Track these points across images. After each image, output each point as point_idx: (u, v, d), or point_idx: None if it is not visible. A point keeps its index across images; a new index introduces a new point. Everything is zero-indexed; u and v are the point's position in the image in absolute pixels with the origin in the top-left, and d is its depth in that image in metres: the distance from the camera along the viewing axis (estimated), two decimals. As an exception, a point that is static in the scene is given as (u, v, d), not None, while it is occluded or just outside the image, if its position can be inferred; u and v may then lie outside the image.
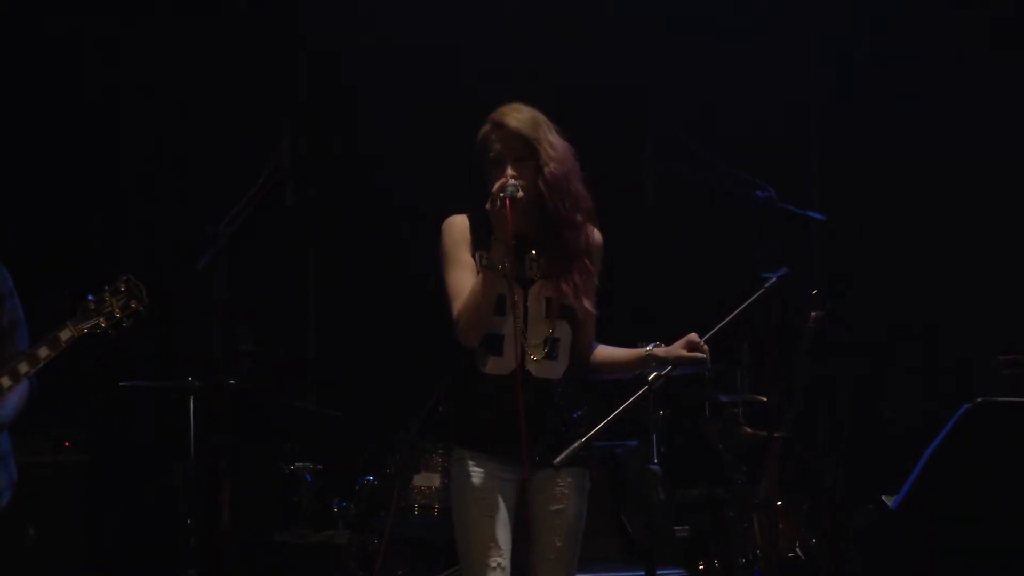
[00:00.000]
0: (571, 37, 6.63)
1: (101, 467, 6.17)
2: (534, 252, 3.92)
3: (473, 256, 3.92)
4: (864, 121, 6.49)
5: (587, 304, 3.93)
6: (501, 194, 3.74)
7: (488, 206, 3.77)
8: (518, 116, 3.89)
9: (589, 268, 3.95)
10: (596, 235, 4.01)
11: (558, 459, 3.56)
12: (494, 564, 3.82)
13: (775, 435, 4.95)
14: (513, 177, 3.80)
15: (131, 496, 6.39)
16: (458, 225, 3.97)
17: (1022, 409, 3.58)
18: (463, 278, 3.89)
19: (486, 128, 3.91)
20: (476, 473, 3.87)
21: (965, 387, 3.91)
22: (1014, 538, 3.62)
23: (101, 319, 4.26)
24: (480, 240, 3.91)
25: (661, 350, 3.88)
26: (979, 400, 3.54)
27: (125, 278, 4.31)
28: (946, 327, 6.10)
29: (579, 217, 3.92)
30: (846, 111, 6.53)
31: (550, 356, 3.91)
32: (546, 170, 3.85)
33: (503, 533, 3.85)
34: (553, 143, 3.89)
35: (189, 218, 6.46)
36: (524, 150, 3.86)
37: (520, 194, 3.78)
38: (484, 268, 3.82)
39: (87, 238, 6.71)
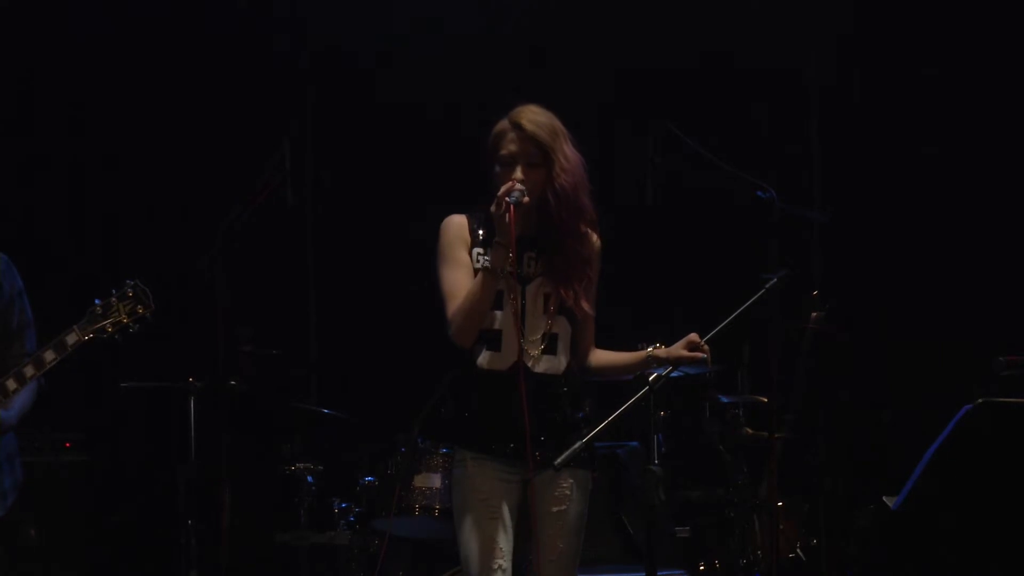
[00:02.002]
0: (571, 35, 6.63)
1: (101, 467, 6.17)
2: (533, 251, 3.92)
3: (469, 254, 3.92)
4: (865, 121, 6.49)
5: (586, 307, 3.93)
6: (507, 199, 3.73)
7: (492, 208, 3.76)
8: (538, 121, 3.86)
9: (589, 275, 3.96)
10: (596, 240, 4.01)
11: (559, 460, 3.56)
12: (495, 566, 3.82)
13: (776, 436, 4.95)
14: (519, 182, 3.79)
15: (131, 496, 6.39)
16: (455, 225, 3.97)
17: (1023, 410, 3.58)
18: (458, 277, 3.89)
19: (504, 125, 3.89)
20: (478, 474, 3.87)
21: (966, 387, 3.89)
22: (1015, 539, 3.62)
23: (108, 324, 4.26)
24: (477, 240, 3.92)
25: (662, 351, 3.88)
26: (980, 401, 3.53)
27: (132, 283, 4.31)
28: (947, 327, 6.10)
29: (583, 227, 3.93)
30: (847, 111, 6.53)
31: (549, 351, 3.91)
32: (557, 182, 3.84)
33: (505, 535, 3.85)
34: (567, 155, 3.87)
35: (189, 218, 6.49)
36: (538, 157, 3.84)
37: (525, 199, 3.77)
38: (483, 271, 3.81)
39: (87, 238, 6.71)
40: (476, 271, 3.89)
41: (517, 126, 3.85)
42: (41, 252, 6.31)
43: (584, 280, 3.93)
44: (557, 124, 3.90)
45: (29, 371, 4.23)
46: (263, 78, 6.75)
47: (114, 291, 4.29)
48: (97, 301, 4.28)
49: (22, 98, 6.61)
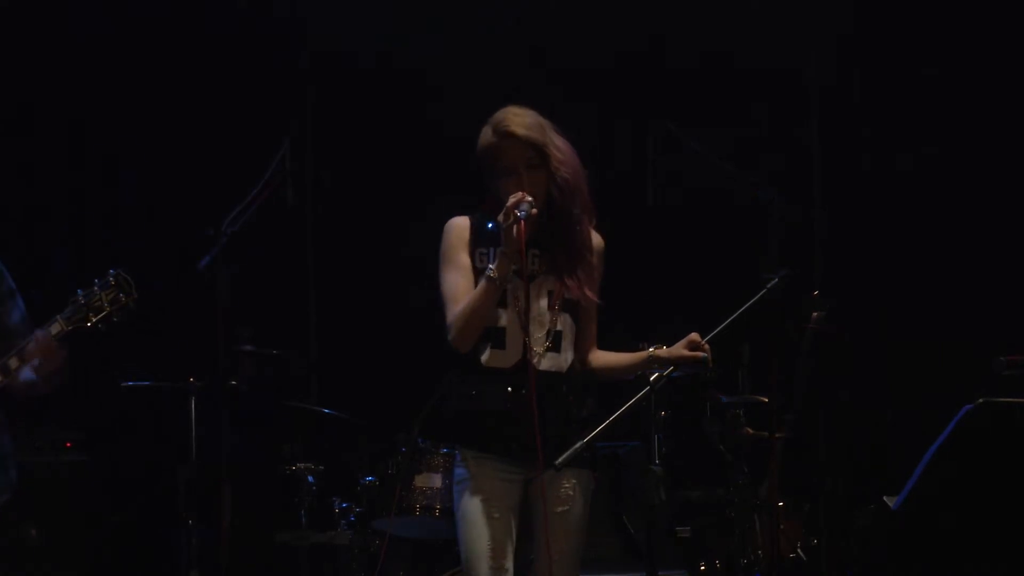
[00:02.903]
0: (571, 35, 6.62)
1: (102, 467, 6.16)
2: (536, 248, 3.92)
3: (472, 256, 3.92)
4: (865, 121, 6.49)
5: (590, 294, 3.93)
6: (517, 212, 3.73)
7: (500, 219, 3.76)
8: (524, 122, 3.86)
9: (593, 263, 3.96)
10: (597, 238, 4.02)
11: (560, 460, 3.55)
12: (497, 566, 3.82)
13: (776, 436, 4.95)
14: (527, 195, 3.77)
15: (131, 496, 6.38)
16: (457, 227, 3.97)
17: (1023, 410, 3.58)
18: (459, 281, 3.89)
19: (490, 137, 3.88)
20: (479, 474, 3.87)
21: (966, 387, 3.89)
22: (1015, 539, 3.62)
23: (90, 314, 4.23)
24: (479, 242, 3.91)
25: (663, 351, 3.88)
26: (980, 401, 3.53)
27: (114, 272, 4.27)
28: (947, 327, 6.10)
29: (585, 215, 3.92)
30: (847, 111, 6.53)
31: (553, 348, 3.91)
32: (558, 176, 3.85)
33: (507, 535, 3.85)
34: (559, 146, 3.89)
35: (190, 218, 6.48)
36: (536, 158, 3.85)
37: (534, 211, 3.77)
38: (486, 279, 3.81)
39: (87, 238, 6.71)
40: (477, 271, 3.89)
41: (507, 135, 3.85)
42: (41, 252, 6.31)
43: (586, 265, 3.93)
44: (541, 119, 3.92)
45: (13, 363, 4.19)
46: (263, 78, 6.74)
47: (96, 281, 4.25)
48: (79, 291, 4.24)
49: (22, 98, 6.61)
